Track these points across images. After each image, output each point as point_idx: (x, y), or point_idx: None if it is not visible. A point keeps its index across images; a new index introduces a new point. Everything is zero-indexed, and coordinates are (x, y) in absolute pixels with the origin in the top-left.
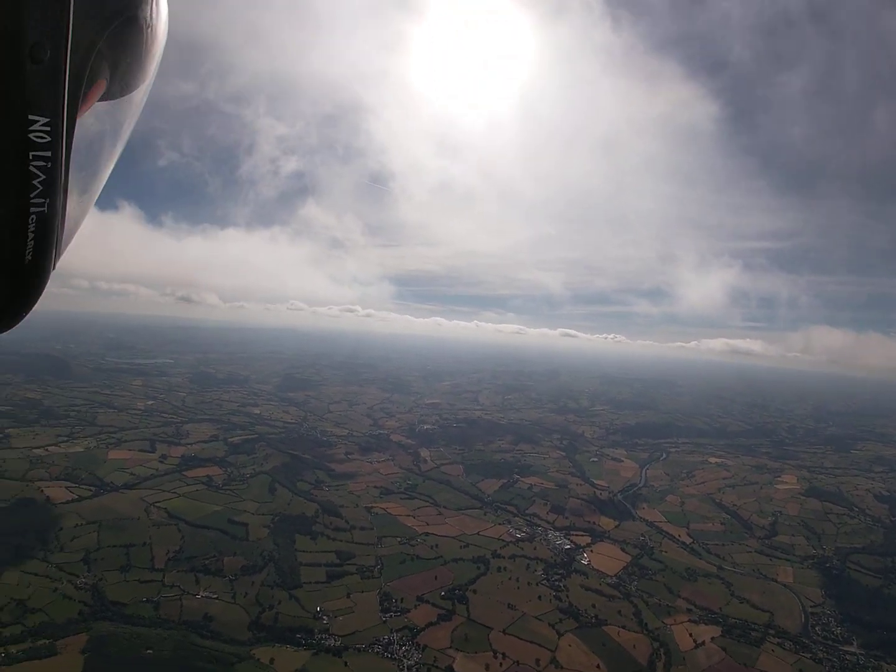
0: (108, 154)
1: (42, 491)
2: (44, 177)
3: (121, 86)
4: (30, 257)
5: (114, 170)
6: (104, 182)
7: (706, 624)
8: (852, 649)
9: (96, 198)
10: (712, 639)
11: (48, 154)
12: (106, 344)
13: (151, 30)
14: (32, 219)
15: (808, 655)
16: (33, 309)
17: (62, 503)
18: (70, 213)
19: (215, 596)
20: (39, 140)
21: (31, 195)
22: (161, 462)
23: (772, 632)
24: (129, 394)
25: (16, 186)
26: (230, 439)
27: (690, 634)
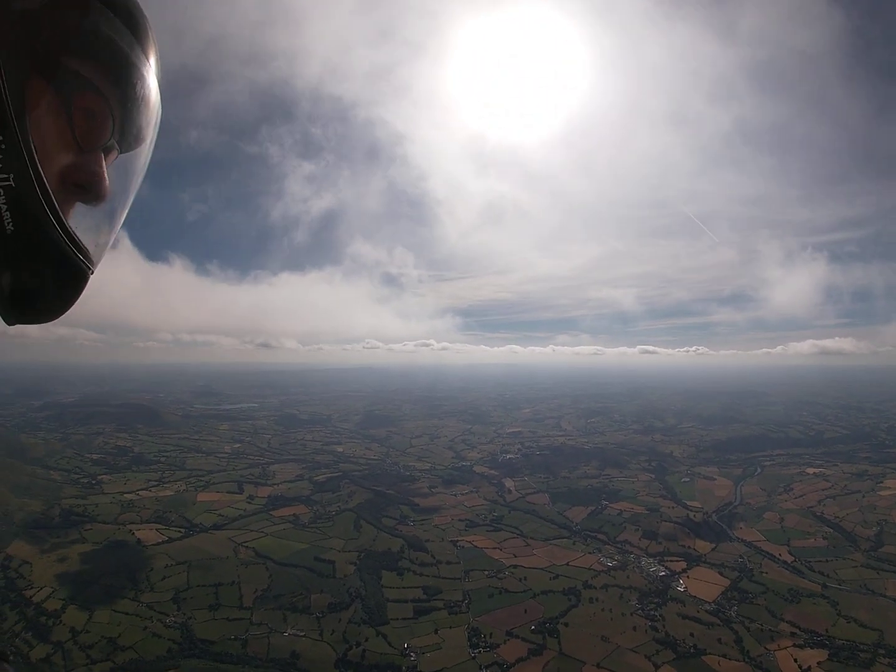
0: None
1: (133, 533)
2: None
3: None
4: (11, 227)
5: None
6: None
7: (812, 647)
8: None
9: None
10: (818, 663)
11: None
12: (194, 392)
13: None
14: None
15: None
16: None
17: (153, 545)
18: (94, 218)
19: (302, 633)
20: None
21: None
22: (248, 503)
23: (882, 651)
24: (216, 438)
25: None
26: (315, 478)
27: (795, 660)
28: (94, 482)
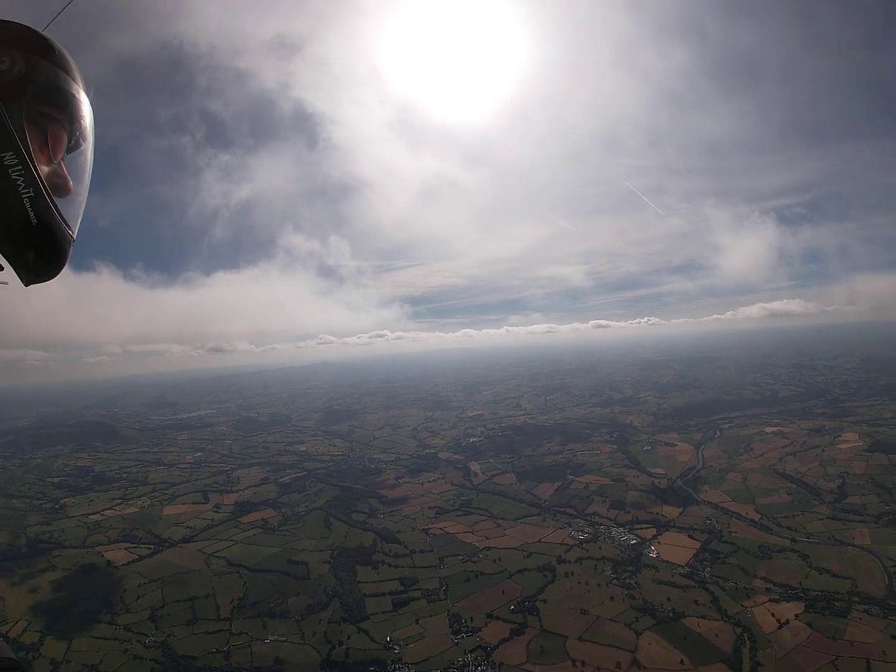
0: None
1: (102, 555)
2: None
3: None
4: (35, 220)
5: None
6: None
7: (787, 601)
8: None
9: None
10: (796, 616)
11: (20, 167)
12: (149, 403)
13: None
14: (26, 199)
15: None
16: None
17: (123, 565)
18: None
19: (284, 638)
20: (11, 162)
21: (19, 189)
22: (216, 511)
23: (856, 599)
24: (176, 449)
25: None
26: (280, 480)
27: (773, 615)
28: (57, 506)
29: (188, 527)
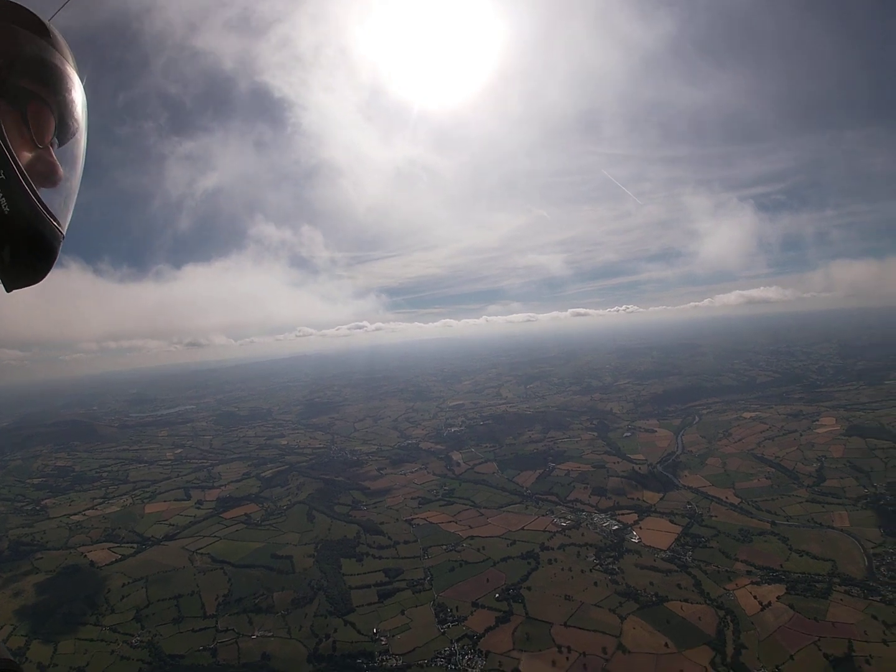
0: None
1: (85, 556)
2: None
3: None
4: (7, 209)
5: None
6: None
7: (769, 583)
8: None
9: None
10: (778, 598)
11: None
12: (128, 400)
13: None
14: None
15: (878, 599)
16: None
17: (107, 565)
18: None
19: (270, 634)
20: None
21: None
22: (198, 508)
23: (837, 580)
24: (156, 446)
25: None
26: (262, 474)
27: (755, 597)
28: (38, 508)
29: (171, 524)
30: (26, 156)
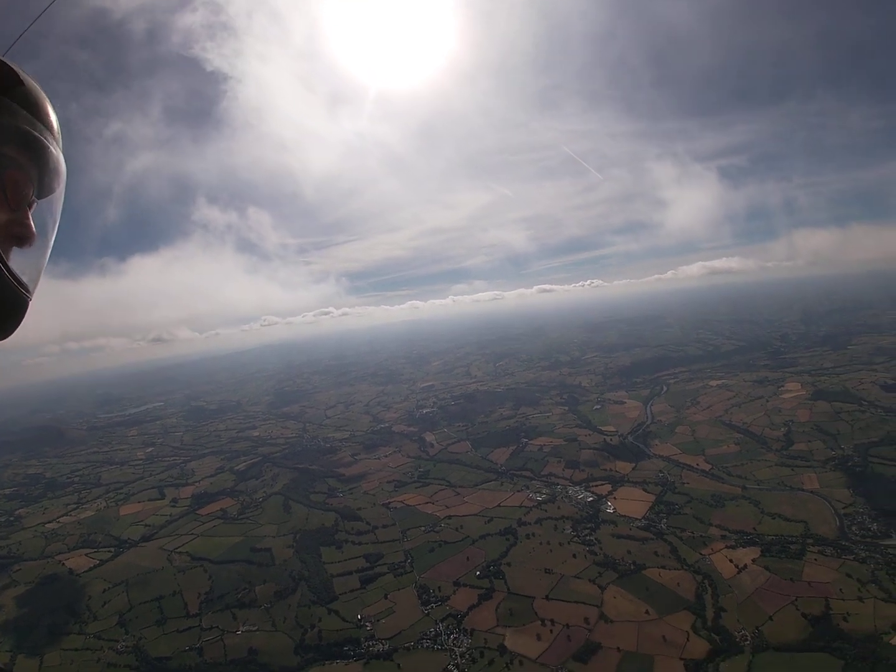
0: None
1: (63, 564)
2: None
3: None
4: None
5: None
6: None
7: (744, 547)
8: (893, 542)
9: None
10: (753, 560)
11: None
12: (95, 402)
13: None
14: None
15: (851, 557)
16: None
17: (85, 571)
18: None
19: (255, 628)
20: None
21: None
22: (173, 506)
23: (810, 541)
24: (127, 446)
25: None
26: (236, 467)
27: (731, 560)
28: (12, 518)
29: (147, 525)
30: (1, 217)
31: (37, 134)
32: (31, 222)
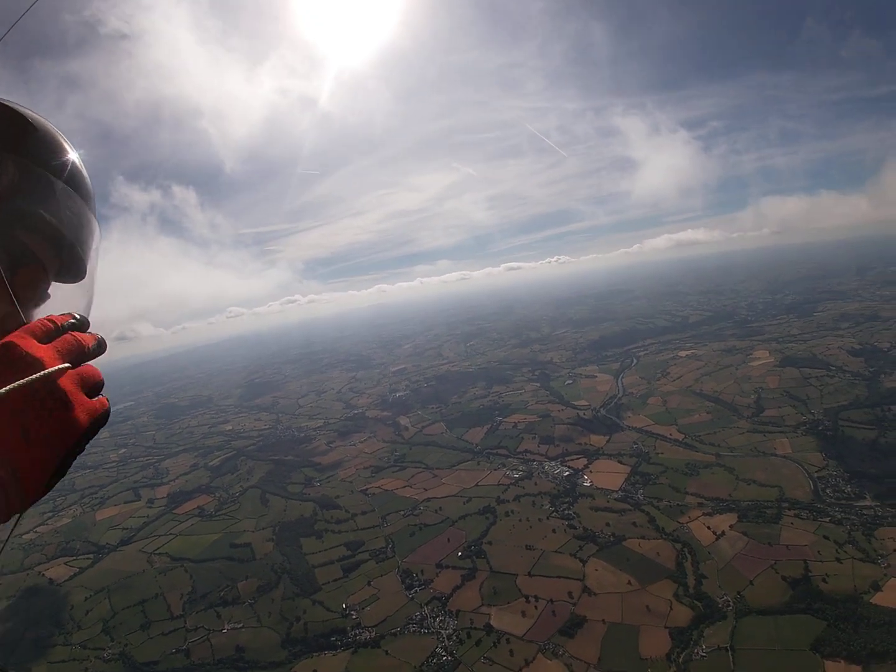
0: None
1: (43, 575)
2: None
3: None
4: None
5: None
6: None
7: (720, 514)
8: (867, 503)
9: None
10: (731, 527)
11: None
12: None
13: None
14: None
15: (827, 519)
16: None
17: (66, 580)
18: None
19: (240, 625)
20: None
21: None
22: (149, 507)
23: (785, 505)
24: (99, 448)
25: None
26: (210, 463)
27: (708, 527)
28: None
29: (124, 528)
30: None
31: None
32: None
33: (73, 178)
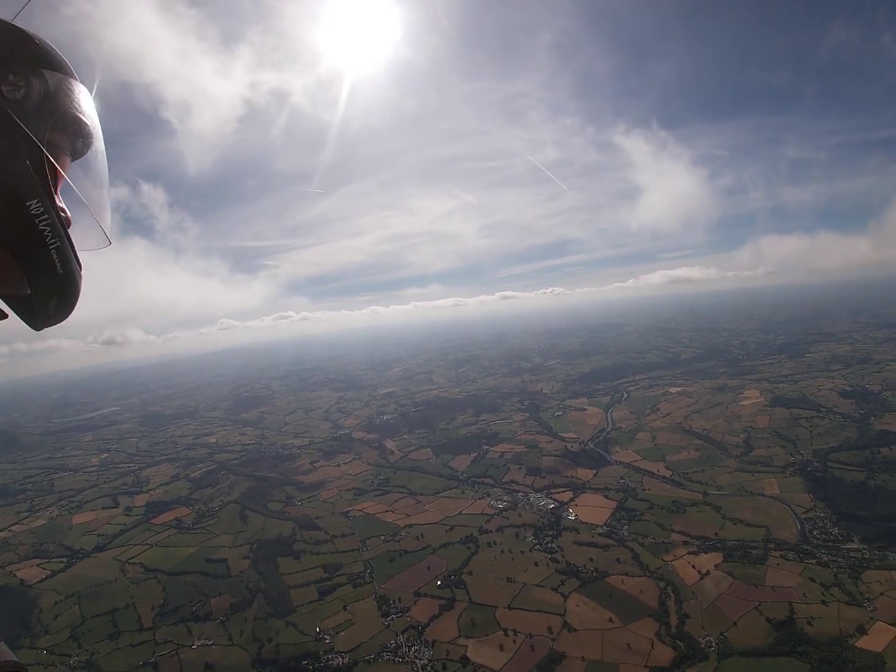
0: (98, 193)
1: (14, 575)
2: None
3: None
4: (60, 270)
5: None
6: (108, 211)
7: (706, 553)
8: (854, 546)
9: (108, 223)
10: (716, 566)
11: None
12: (50, 406)
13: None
14: (53, 249)
15: (814, 561)
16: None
17: (37, 583)
18: (83, 240)
19: (211, 642)
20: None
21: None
22: (127, 515)
23: (772, 546)
24: (81, 452)
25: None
26: (191, 475)
27: (693, 566)
28: None
29: (100, 534)
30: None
31: (86, 117)
32: (65, 207)
33: (69, 69)
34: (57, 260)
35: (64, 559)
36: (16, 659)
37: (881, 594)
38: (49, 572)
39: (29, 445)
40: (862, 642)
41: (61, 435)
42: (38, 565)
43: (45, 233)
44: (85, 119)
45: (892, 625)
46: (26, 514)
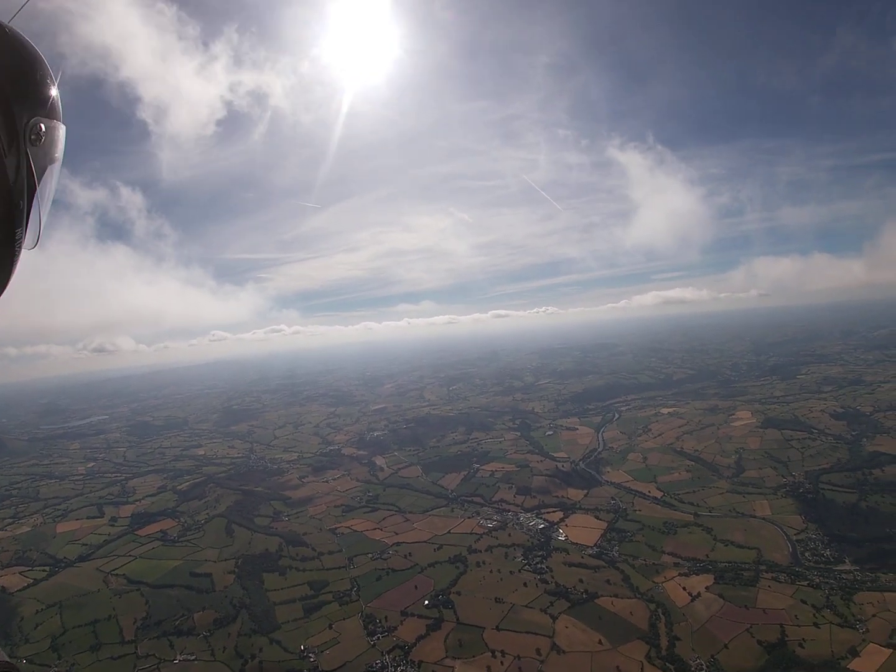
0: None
1: None
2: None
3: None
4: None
5: None
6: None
7: (697, 574)
8: (846, 567)
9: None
10: (707, 588)
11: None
12: (38, 412)
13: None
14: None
15: (805, 583)
16: None
17: (18, 591)
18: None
19: (193, 657)
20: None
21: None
22: (112, 525)
23: (763, 567)
24: (68, 459)
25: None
26: (178, 487)
27: (684, 588)
28: None
29: (84, 544)
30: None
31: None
32: None
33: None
34: (18, 251)
35: (47, 568)
36: (8, 660)
37: (873, 616)
38: (31, 580)
39: (15, 451)
40: (854, 664)
41: (49, 442)
42: (20, 573)
43: (17, 231)
44: (59, 158)
45: (884, 646)
46: (10, 520)
